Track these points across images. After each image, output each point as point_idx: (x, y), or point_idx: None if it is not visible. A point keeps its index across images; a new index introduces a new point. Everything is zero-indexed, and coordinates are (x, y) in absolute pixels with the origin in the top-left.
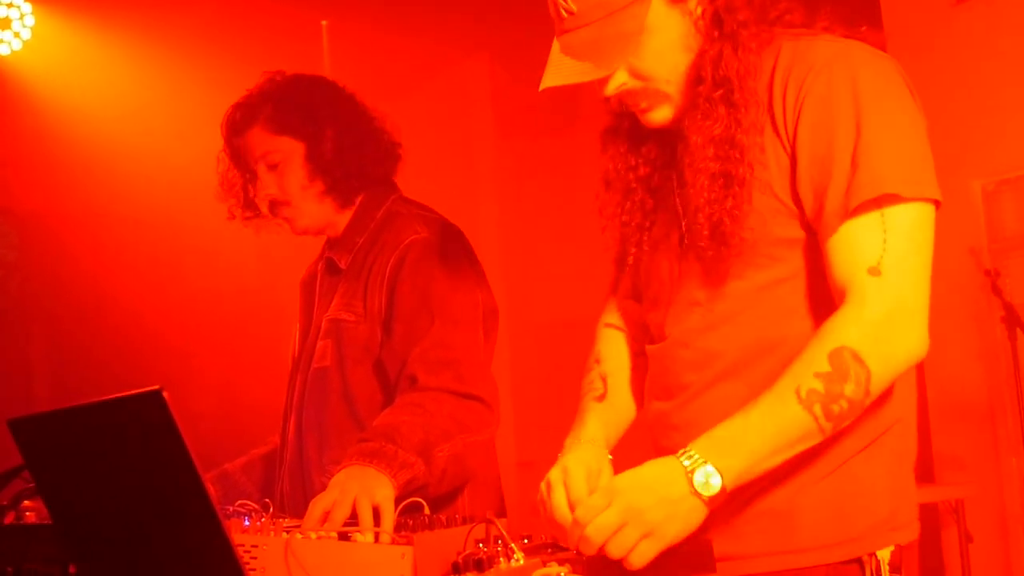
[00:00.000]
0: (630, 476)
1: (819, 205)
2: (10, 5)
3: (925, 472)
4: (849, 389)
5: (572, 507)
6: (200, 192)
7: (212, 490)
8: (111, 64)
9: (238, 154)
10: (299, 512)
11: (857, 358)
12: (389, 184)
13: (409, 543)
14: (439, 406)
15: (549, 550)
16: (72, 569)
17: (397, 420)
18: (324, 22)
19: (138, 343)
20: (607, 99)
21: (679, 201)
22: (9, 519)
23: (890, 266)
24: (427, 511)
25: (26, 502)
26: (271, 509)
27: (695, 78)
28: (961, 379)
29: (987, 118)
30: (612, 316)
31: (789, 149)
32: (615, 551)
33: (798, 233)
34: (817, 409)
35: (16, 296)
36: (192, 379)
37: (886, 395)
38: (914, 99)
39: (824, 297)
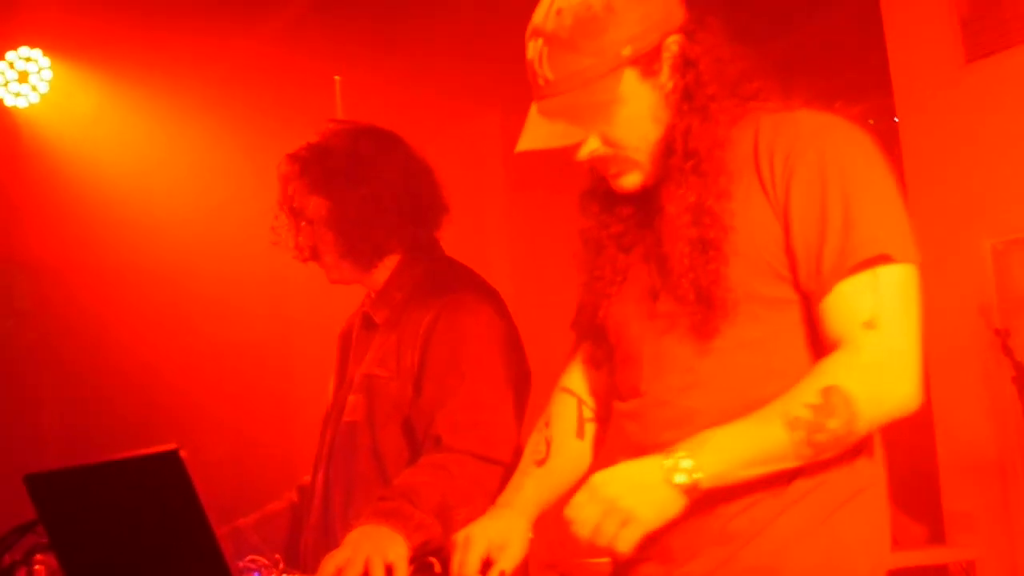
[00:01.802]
0: (609, 471)
1: (814, 267)
2: (28, 59)
3: (935, 533)
4: (833, 424)
5: None
6: (214, 245)
7: (227, 551)
8: (127, 118)
9: (288, 202)
10: (318, 563)
11: (846, 399)
12: (430, 241)
13: None
14: (462, 469)
15: None
16: None
17: (417, 481)
18: (337, 77)
19: (151, 394)
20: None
21: (654, 261)
22: (21, 574)
23: (884, 321)
24: (438, 569)
25: (37, 555)
26: (281, 565)
27: (666, 149)
28: (971, 438)
29: (998, 177)
30: (569, 380)
31: (781, 214)
32: (599, 541)
33: (785, 294)
34: (800, 434)
35: (30, 346)
36: (205, 430)
37: (867, 450)
38: (891, 170)
39: (808, 359)
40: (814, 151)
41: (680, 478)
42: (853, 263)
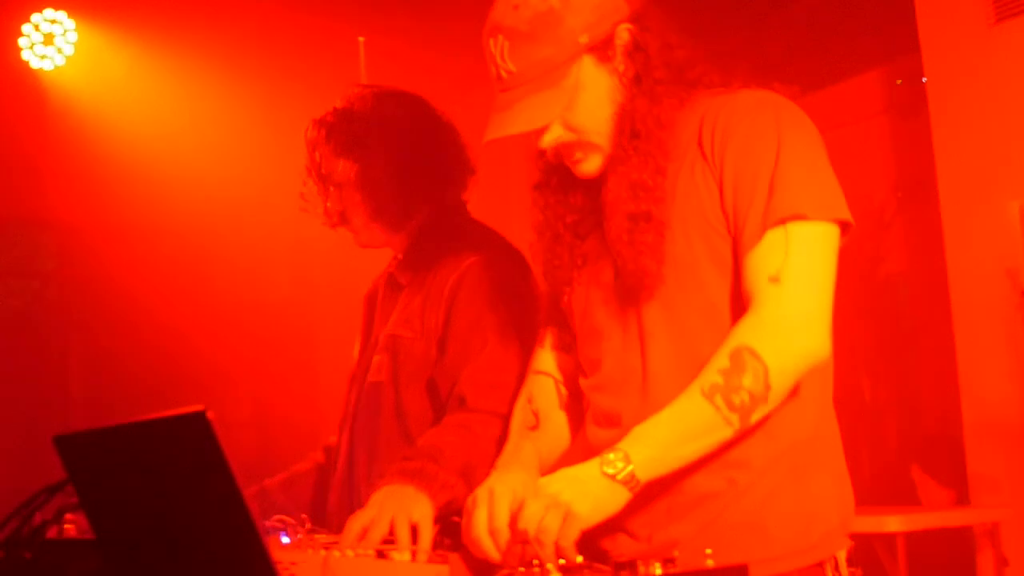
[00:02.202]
0: (552, 474)
1: (740, 228)
2: (53, 21)
3: (960, 495)
4: (747, 381)
5: (492, 533)
6: (236, 207)
7: (255, 510)
8: (151, 79)
9: (315, 168)
10: (345, 523)
11: (754, 354)
12: (457, 203)
13: (445, 562)
14: (485, 428)
15: (585, 571)
16: None
17: (442, 440)
18: (361, 39)
19: (175, 356)
20: (541, 153)
21: (606, 241)
22: (52, 534)
23: (789, 275)
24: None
25: (67, 515)
26: (307, 524)
27: (618, 130)
28: (997, 401)
29: None
30: (542, 363)
31: (718, 180)
32: (543, 538)
33: (727, 257)
34: (719, 400)
35: (53, 306)
36: (227, 391)
37: (820, 411)
38: (819, 140)
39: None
40: (747, 123)
41: (609, 469)
42: (771, 223)
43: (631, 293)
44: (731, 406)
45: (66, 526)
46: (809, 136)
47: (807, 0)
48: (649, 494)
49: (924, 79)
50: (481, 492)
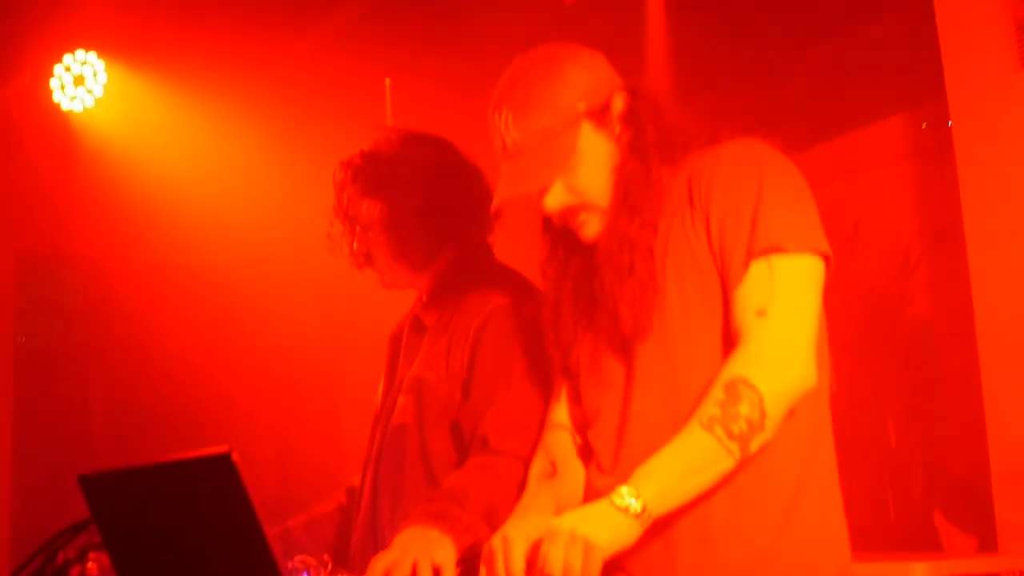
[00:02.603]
0: (562, 514)
1: (727, 264)
2: (84, 63)
3: (987, 541)
4: (744, 409)
5: None
6: (263, 248)
7: (277, 551)
8: (180, 120)
9: (343, 210)
10: (366, 564)
11: (747, 384)
12: (482, 245)
13: None
14: (509, 471)
15: None
16: None
17: (466, 483)
18: (388, 80)
19: (197, 393)
20: (546, 225)
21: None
22: (74, 573)
23: (774, 308)
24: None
25: (91, 553)
26: (329, 565)
27: (614, 190)
28: None
29: None
30: (557, 416)
31: (705, 223)
32: (569, 574)
33: (719, 298)
34: (718, 430)
35: (78, 344)
36: (249, 431)
37: (818, 450)
38: (799, 180)
39: None
40: (730, 167)
41: (621, 503)
42: (754, 255)
43: (626, 344)
44: (731, 435)
45: (89, 564)
46: (789, 175)
47: (832, 45)
48: (646, 533)
49: (950, 123)
50: (496, 541)
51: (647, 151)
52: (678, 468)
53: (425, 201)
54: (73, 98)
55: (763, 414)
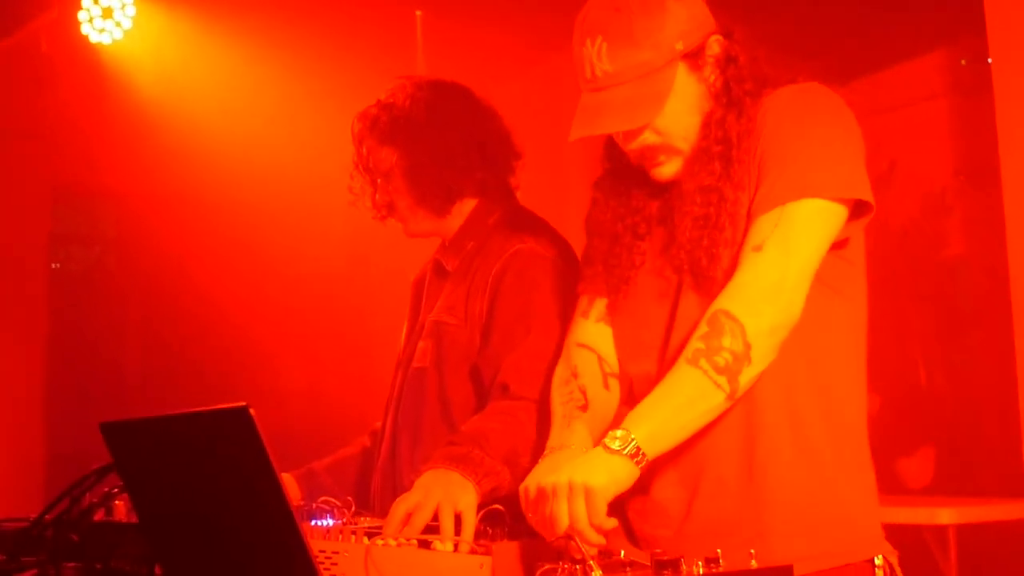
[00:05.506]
0: (541, 471)
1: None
2: None
3: (1018, 485)
4: (727, 341)
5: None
6: (293, 184)
7: (293, 498)
8: (209, 53)
9: (362, 161)
10: (387, 506)
11: (729, 315)
12: (505, 190)
13: (488, 553)
14: (529, 416)
15: (627, 569)
16: (158, 570)
17: (487, 427)
18: (418, 12)
19: (223, 330)
20: (608, 154)
21: (669, 239)
22: (99, 516)
23: (771, 243)
24: (506, 516)
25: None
26: (352, 507)
27: (702, 136)
28: None
29: None
30: (585, 336)
31: (757, 170)
32: (580, 526)
33: None
34: (703, 363)
35: (113, 273)
36: (277, 374)
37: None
38: (854, 123)
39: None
40: (778, 115)
41: (614, 445)
42: (773, 204)
43: (681, 286)
44: (716, 368)
45: (116, 503)
46: (835, 121)
47: None
48: (680, 473)
49: (989, 60)
50: (561, 487)
51: (739, 100)
52: (668, 406)
53: (444, 146)
54: (102, 31)
55: (747, 345)
